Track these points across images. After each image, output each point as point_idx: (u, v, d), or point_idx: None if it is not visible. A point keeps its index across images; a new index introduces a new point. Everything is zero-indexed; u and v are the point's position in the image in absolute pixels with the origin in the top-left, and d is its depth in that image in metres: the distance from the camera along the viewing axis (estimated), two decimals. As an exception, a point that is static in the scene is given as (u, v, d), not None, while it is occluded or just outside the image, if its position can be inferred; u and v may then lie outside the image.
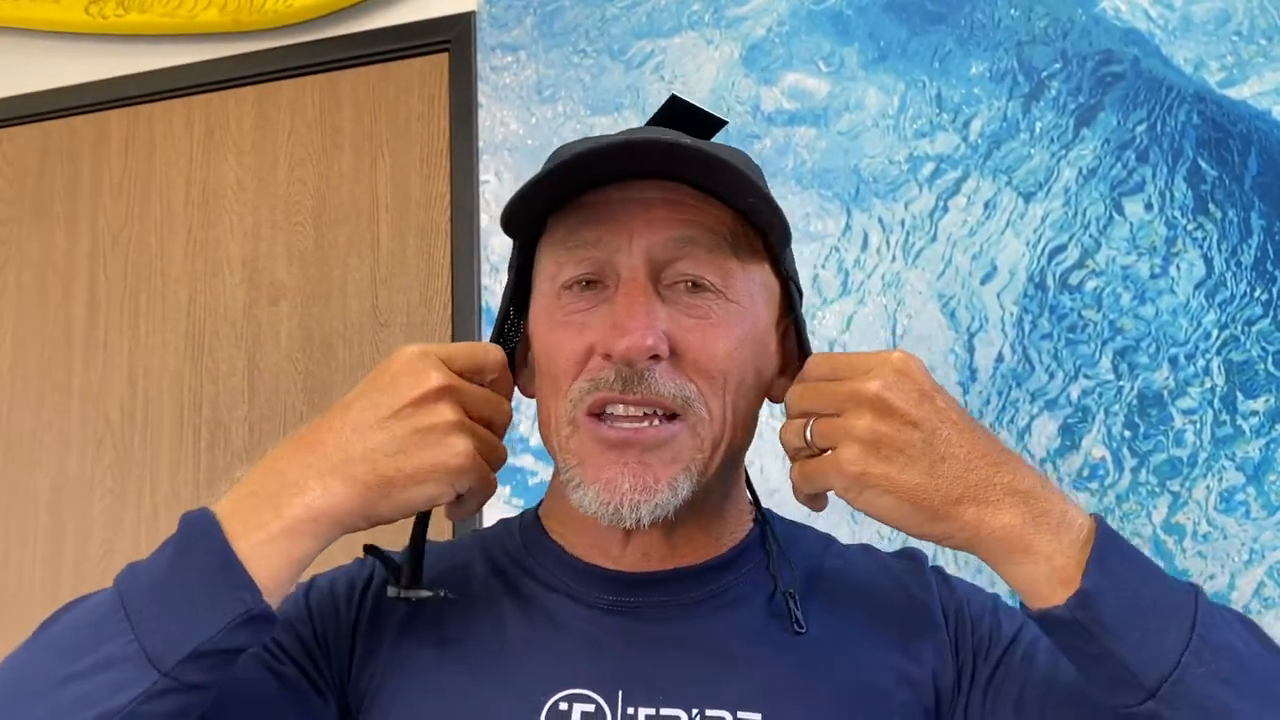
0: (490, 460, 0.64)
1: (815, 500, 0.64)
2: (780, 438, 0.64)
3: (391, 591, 0.68)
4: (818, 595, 0.71)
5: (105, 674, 0.57)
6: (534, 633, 0.69)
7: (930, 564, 0.75)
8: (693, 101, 0.69)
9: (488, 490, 0.65)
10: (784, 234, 0.67)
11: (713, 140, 0.71)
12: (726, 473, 0.69)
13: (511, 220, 0.67)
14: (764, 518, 0.74)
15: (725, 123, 0.72)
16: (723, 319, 0.65)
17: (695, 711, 0.64)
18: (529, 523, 0.75)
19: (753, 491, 0.76)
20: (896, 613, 0.70)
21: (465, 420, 0.61)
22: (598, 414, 0.64)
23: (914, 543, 0.68)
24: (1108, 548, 0.58)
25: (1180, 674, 0.55)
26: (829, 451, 0.60)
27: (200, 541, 0.59)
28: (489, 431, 0.64)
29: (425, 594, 0.67)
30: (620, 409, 0.64)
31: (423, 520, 0.69)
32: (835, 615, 0.70)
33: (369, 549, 0.70)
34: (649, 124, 0.71)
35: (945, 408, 0.60)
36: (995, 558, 0.59)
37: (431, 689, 0.67)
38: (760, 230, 0.68)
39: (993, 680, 0.67)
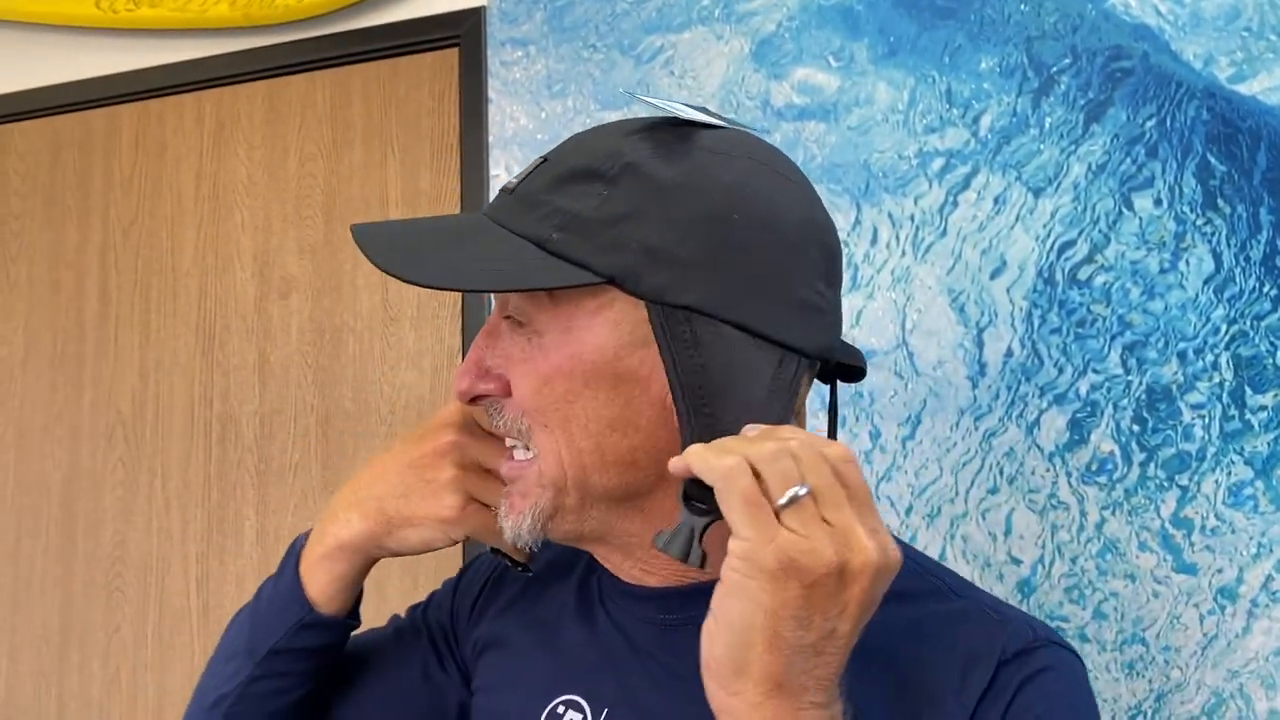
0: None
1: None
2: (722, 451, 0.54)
3: (507, 566, 0.76)
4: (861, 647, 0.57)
5: (231, 664, 0.75)
6: (572, 637, 0.72)
7: (1065, 673, 0.61)
8: (695, 116, 0.66)
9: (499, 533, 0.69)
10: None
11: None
12: (636, 504, 0.65)
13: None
14: None
15: (717, 125, 0.66)
16: (531, 355, 0.64)
17: None
18: None
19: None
20: (912, 712, 0.60)
21: (464, 477, 0.70)
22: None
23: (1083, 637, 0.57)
24: None
25: None
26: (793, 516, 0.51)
27: (288, 561, 0.76)
28: (501, 485, 0.69)
29: (510, 560, 0.74)
30: None
31: None
32: (855, 675, 0.57)
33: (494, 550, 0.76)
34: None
35: (851, 630, 0.52)
36: None
37: (501, 662, 0.76)
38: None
39: None
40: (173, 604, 1.65)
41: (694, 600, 0.64)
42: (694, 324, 0.60)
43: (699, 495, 0.56)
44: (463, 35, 1.56)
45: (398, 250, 0.64)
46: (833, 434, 0.68)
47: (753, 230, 0.61)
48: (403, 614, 0.85)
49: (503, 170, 1.51)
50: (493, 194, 1.50)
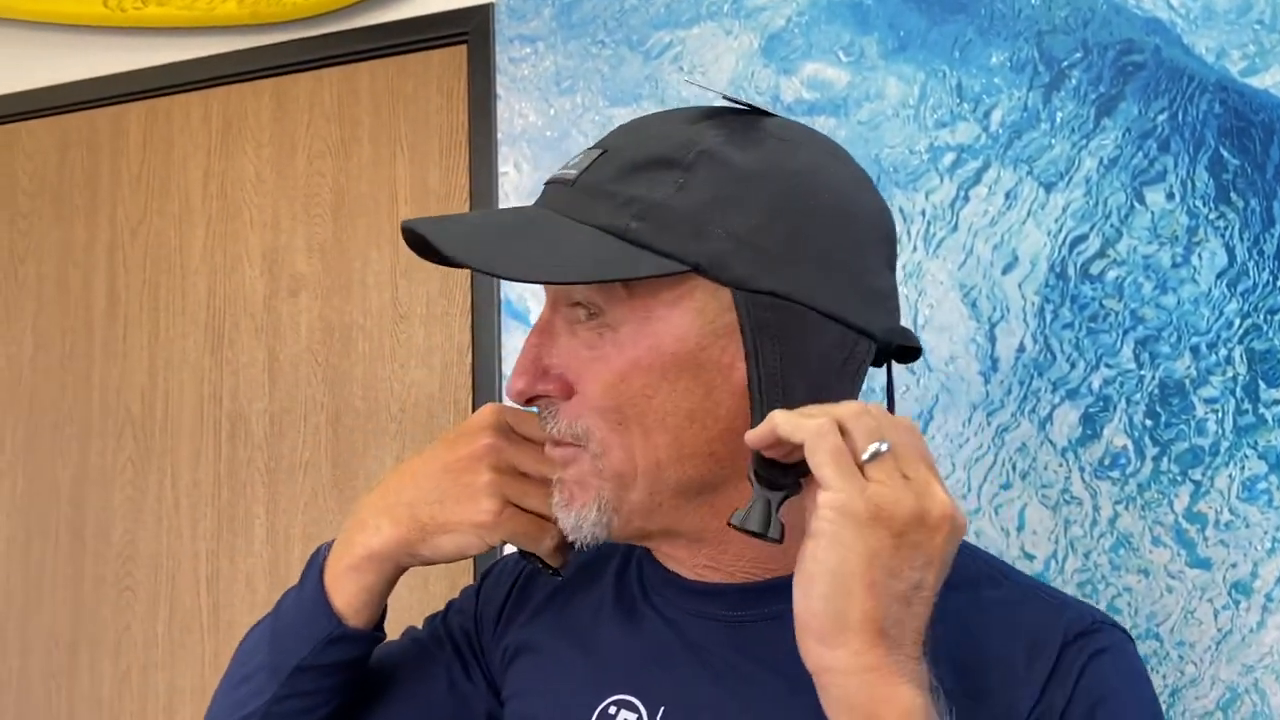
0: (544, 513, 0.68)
1: (776, 447, 0.56)
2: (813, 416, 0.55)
3: (553, 570, 0.73)
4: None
5: (251, 683, 0.72)
6: (616, 636, 0.71)
7: (1124, 652, 0.63)
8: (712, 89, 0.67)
9: (543, 537, 0.68)
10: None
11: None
12: (710, 498, 0.65)
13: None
14: None
15: (743, 105, 0.66)
16: (607, 349, 0.62)
17: None
18: None
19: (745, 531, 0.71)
20: (989, 672, 0.61)
21: (501, 481, 0.68)
22: None
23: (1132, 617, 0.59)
24: None
25: None
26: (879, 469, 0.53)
27: (310, 572, 0.73)
28: (538, 489, 0.68)
29: (541, 564, 0.72)
30: None
31: None
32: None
33: (522, 554, 0.76)
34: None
35: (935, 583, 0.54)
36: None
37: (538, 666, 0.73)
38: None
39: None
40: (183, 602, 1.65)
41: (765, 596, 0.66)
42: (777, 310, 0.61)
43: (769, 472, 0.57)
44: (471, 32, 1.56)
45: (474, 244, 0.61)
46: (891, 411, 0.68)
47: (828, 216, 0.62)
48: (419, 625, 0.83)
49: (511, 167, 1.51)
50: (502, 190, 1.50)
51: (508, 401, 0.70)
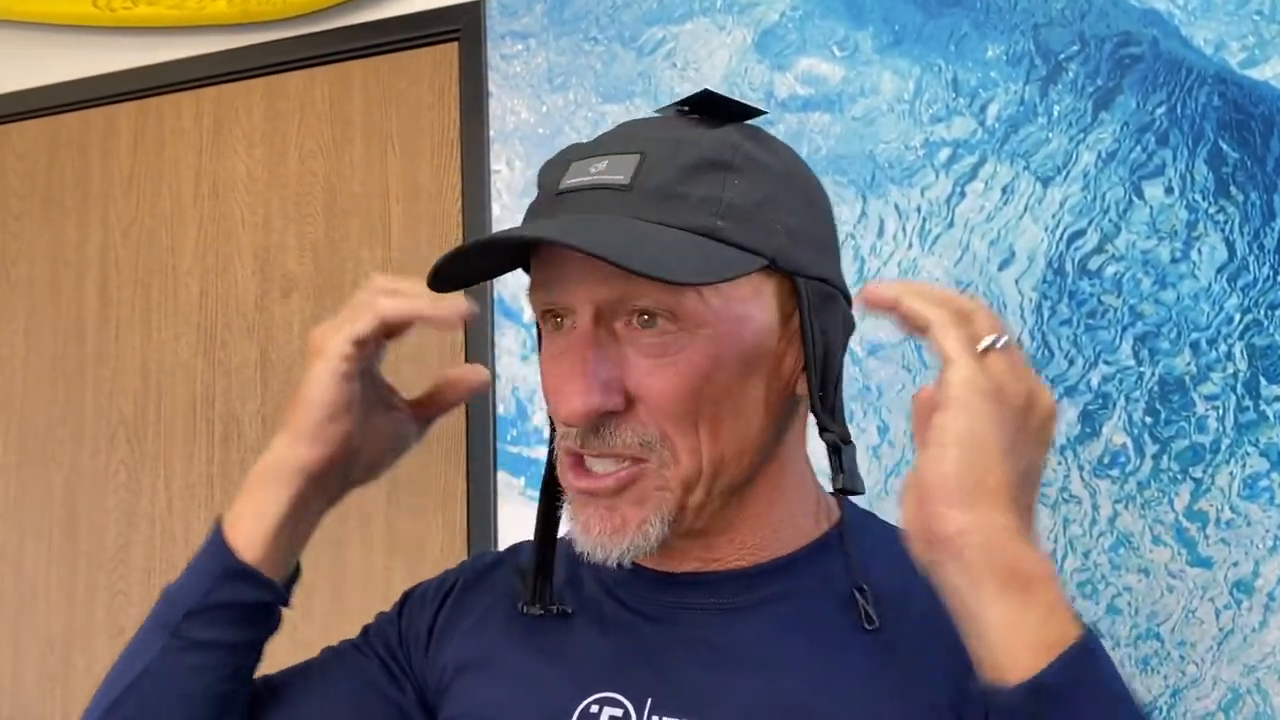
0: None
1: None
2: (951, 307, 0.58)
3: (523, 608, 0.71)
4: (895, 606, 0.64)
5: (138, 642, 0.69)
6: (584, 635, 0.69)
7: None
8: (726, 97, 0.67)
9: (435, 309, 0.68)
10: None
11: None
12: (741, 492, 0.66)
13: (439, 282, 0.65)
14: (848, 519, 0.70)
15: (762, 112, 0.69)
16: (683, 355, 0.61)
17: None
18: None
19: (845, 493, 0.70)
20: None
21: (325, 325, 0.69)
22: (575, 454, 0.64)
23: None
24: (1089, 659, 0.52)
25: None
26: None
27: (212, 530, 0.70)
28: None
29: (539, 612, 0.71)
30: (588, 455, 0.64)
31: (545, 543, 0.72)
32: (907, 631, 0.64)
33: (513, 569, 0.74)
34: (668, 109, 0.68)
35: (1042, 468, 0.59)
36: (987, 580, 0.52)
37: (491, 680, 0.71)
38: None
39: None
40: (177, 606, 1.64)
41: (756, 582, 0.67)
42: (822, 294, 0.65)
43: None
44: (462, 29, 1.54)
45: (613, 248, 0.58)
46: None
47: (823, 204, 0.69)
48: (333, 645, 0.78)
49: (503, 164, 1.49)
50: (494, 188, 1.49)
51: (537, 417, 0.68)
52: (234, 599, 0.67)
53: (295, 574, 0.73)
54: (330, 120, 1.64)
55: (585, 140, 0.69)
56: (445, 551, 1.50)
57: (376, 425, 0.72)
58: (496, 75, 1.51)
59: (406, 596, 0.79)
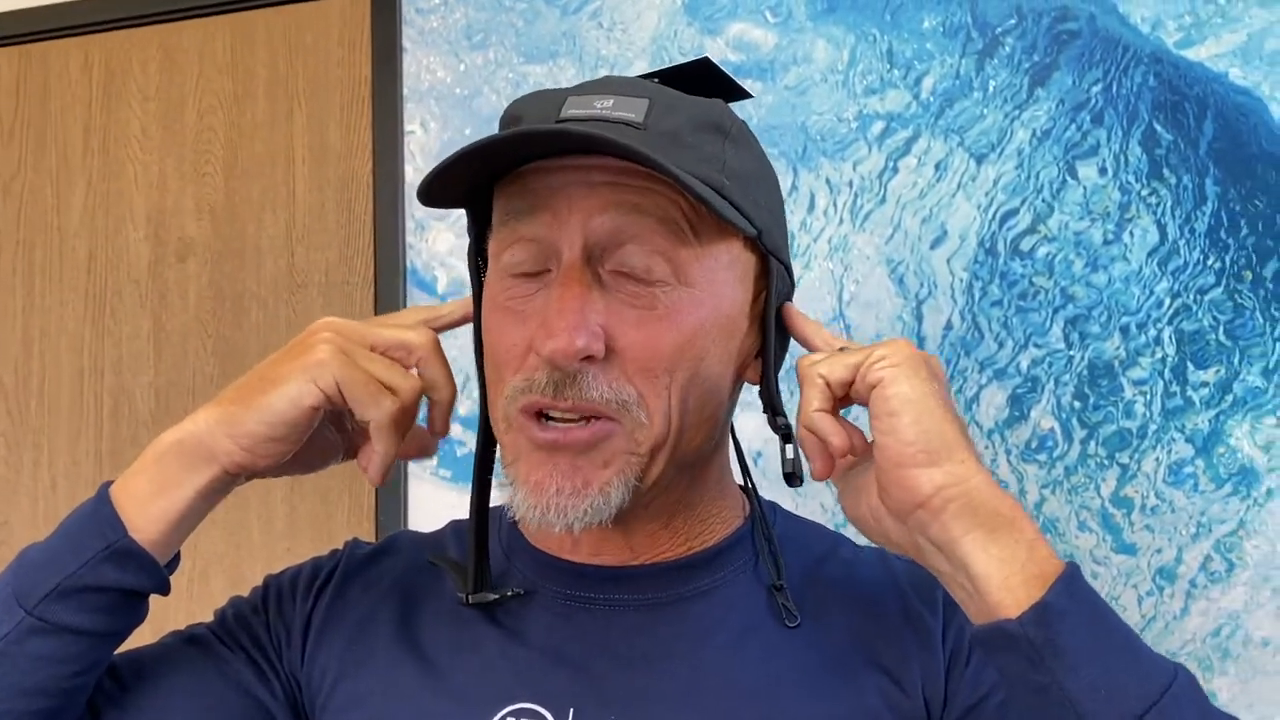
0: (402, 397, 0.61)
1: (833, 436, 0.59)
2: (810, 369, 0.60)
3: (461, 598, 0.65)
4: (813, 598, 0.65)
5: None
6: (496, 638, 0.64)
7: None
8: (724, 70, 0.65)
9: (381, 399, 0.60)
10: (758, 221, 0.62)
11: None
12: (690, 471, 0.64)
13: (431, 195, 0.60)
14: (760, 512, 0.68)
15: (748, 95, 0.68)
16: (671, 309, 0.59)
17: None
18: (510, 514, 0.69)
19: (752, 484, 0.70)
20: (895, 628, 0.64)
21: (341, 341, 0.61)
22: (535, 412, 0.59)
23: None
24: (1080, 581, 0.54)
25: None
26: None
27: (93, 496, 0.61)
28: (381, 359, 0.62)
29: (493, 596, 0.65)
30: (554, 411, 0.59)
31: (482, 526, 0.67)
32: (826, 623, 0.64)
33: (433, 559, 0.68)
34: (654, 75, 0.64)
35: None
36: (973, 528, 0.54)
37: (387, 689, 0.64)
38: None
39: None
40: (61, 590, 1.54)
41: (681, 575, 0.65)
42: (783, 278, 0.65)
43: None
44: (375, -20, 1.45)
45: (650, 159, 0.55)
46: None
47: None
48: (180, 629, 0.70)
49: (418, 125, 1.41)
50: (408, 149, 1.41)
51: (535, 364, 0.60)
52: (116, 582, 0.59)
53: (175, 562, 0.65)
54: (231, 74, 1.53)
55: (505, 102, 0.63)
56: (352, 533, 1.42)
57: (311, 442, 0.64)
58: (411, 30, 1.43)
59: (269, 585, 0.72)
